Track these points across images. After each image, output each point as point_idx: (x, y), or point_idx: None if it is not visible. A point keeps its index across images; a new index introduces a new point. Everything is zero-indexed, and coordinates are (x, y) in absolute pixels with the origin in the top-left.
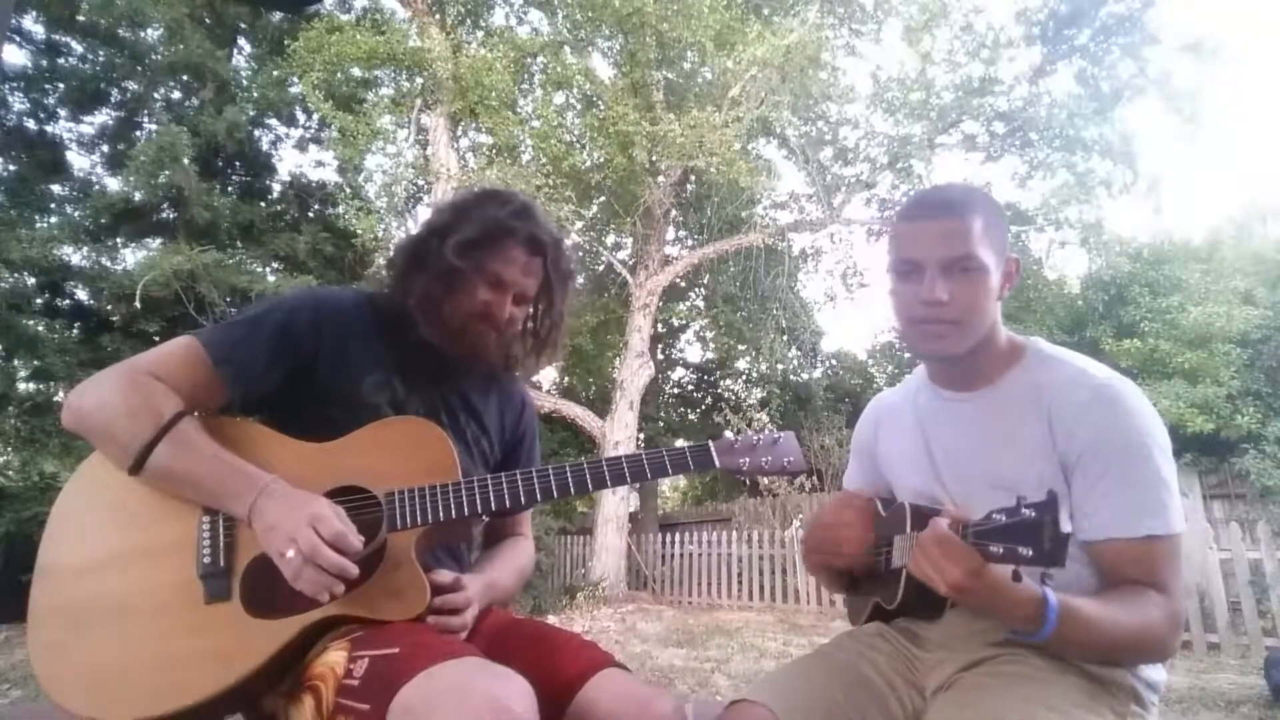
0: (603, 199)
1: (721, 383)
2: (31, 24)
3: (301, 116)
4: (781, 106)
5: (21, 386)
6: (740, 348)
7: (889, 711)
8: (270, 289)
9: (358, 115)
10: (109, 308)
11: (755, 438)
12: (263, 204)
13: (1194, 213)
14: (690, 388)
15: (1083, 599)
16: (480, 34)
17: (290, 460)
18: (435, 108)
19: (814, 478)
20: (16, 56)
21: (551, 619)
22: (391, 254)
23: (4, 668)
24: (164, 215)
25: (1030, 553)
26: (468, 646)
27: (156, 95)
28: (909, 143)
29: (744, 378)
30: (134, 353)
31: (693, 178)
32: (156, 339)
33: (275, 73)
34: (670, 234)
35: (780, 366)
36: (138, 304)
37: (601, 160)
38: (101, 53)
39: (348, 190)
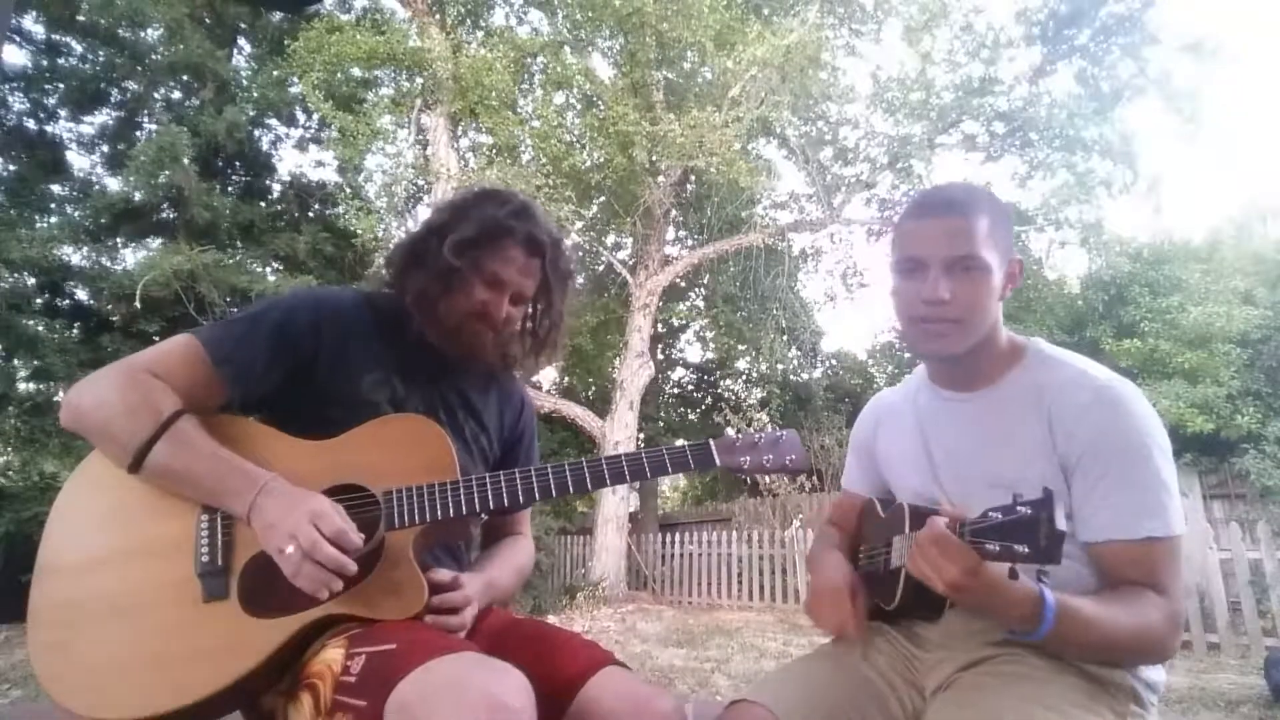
0: (603, 199)
1: (721, 383)
2: (31, 24)
3: (301, 116)
4: (781, 106)
5: (21, 386)
6: (740, 348)
7: (889, 711)
8: (270, 289)
9: (358, 115)
10: (109, 308)
11: (757, 436)
12: (263, 204)
13: (1194, 213)
14: (690, 388)
15: (1081, 599)
16: (480, 34)
17: (289, 458)
18: (435, 108)
19: (814, 478)
20: (16, 56)
21: (551, 619)
22: (390, 252)
23: (4, 668)
24: (164, 215)
25: (1026, 550)
26: (465, 642)
27: (156, 95)
28: (909, 143)
29: (744, 378)
30: (134, 353)
31: (693, 178)
32: (156, 339)
33: (275, 73)
34: (670, 234)
35: (780, 366)
36: (138, 304)
37: (601, 160)
38: (101, 53)
39: (348, 190)
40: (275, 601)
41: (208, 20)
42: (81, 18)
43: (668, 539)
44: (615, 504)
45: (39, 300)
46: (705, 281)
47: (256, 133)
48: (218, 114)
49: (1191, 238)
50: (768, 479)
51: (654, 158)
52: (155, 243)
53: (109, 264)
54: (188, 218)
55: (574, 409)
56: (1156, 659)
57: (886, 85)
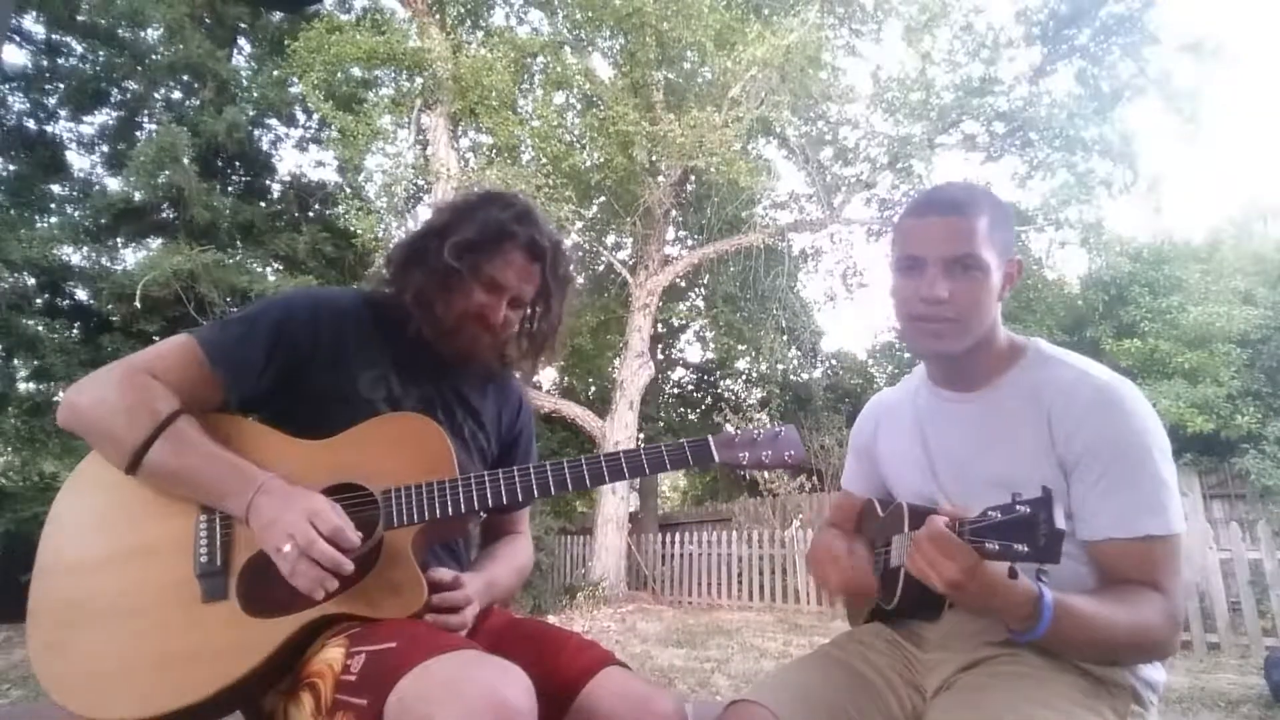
0: (603, 199)
1: (721, 383)
2: (31, 24)
3: (301, 116)
4: (781, 106)
5: (21, 386)
6: (740, 348)
7: (889, 711)
8: (270, 289)
9: (358, 115)
10: (109, 308)
11: (755, 431)
12: (263, 204)
13: (1194, 213)
14: (690, 388)
15: (1080, 597)
16: (480, 34)
17: (287, 458)
18: (435, 108)
19: (814, 478)
20: (16, 56)
21: (551, 619)
22: (390, 250)
23: (4, 668)
24: (164, 215)
25: (1026, 549)
26: (466, 641)
27: (156, 95)
28: (909, 143)
29: (744, 378)
30: (133, 353)
31: (693, 178)
32: (156, 339)
33: (275, 73)
34: (670, 234)
35: (780, 366)
36: (138, 304)
37: (601, 160)
38: (101, 53)
39: (348, 190)
40: (275, 601)
41: (208, 20)
42: (81, 18)
43: (668, 539)
44: (615, 504)
45: (39, 300)
46: (705, 281)
47: (256, 133)
48: (218, 114)
49: (1191, 238)
50: (766, 475)
51: (654, 158)
52: (155, 243)
53: (109, 264)
54: (188, 218)
55: (574, 409)
56: (1156, 657)
57: (886, 85)
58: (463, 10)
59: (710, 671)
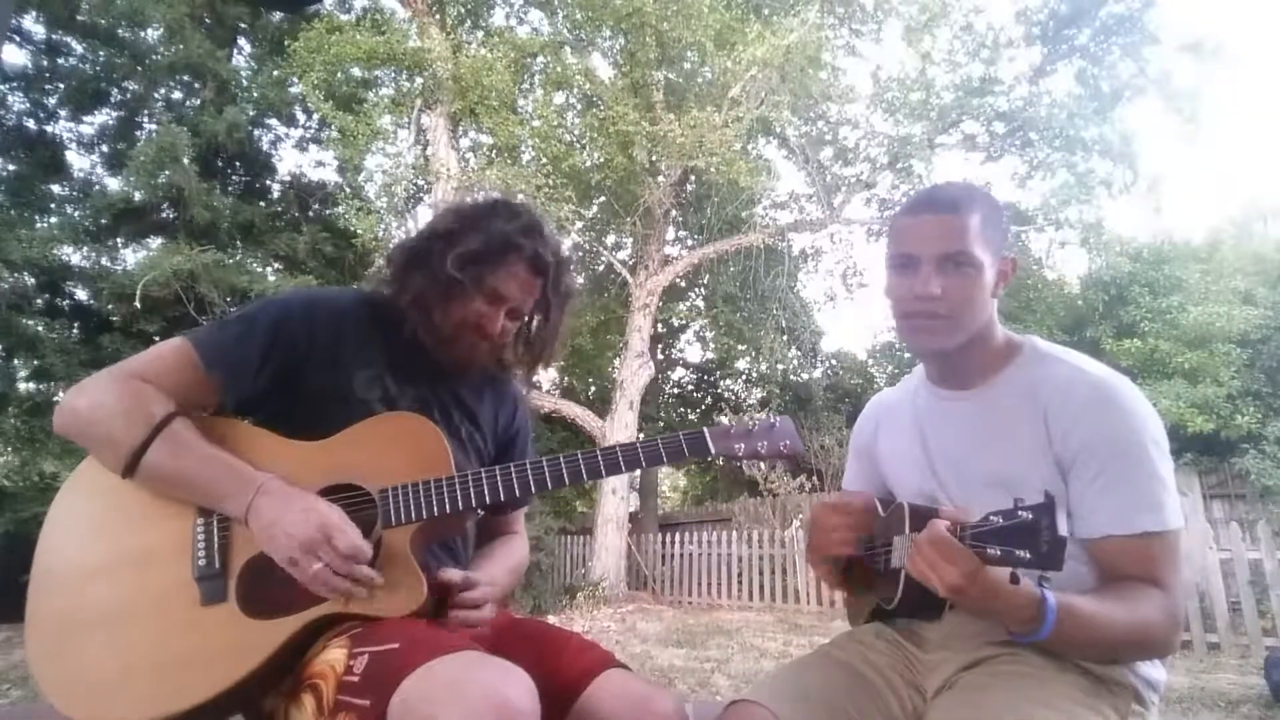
0: (603, 199)
1: (721, 383)
2: (31, 24)
3: (301, 116)
4: (781, 106)
5: (21, 386)
6: (740, 348)
7: (889, 711)
8: (270, 289)
9: (358, 115)
10: (109, 308)
11: (751, 423)
12: (263, 204)
13: (1194, 213)
14: (690, 388)
15: (1081, 597)
16: (480, 34)
17: (284, 459)
18: (435, 108)
19: (814, 478)
20: (16, 56)
21: (551, 619)
22: (392, 250)
23: (4, 668)
24: (164, 215)
25: (1027, 555)
26: (468, 641)
27: (156, 95)
28: (909, 143)
29: (744, 378)
30: (134, 353)
31: (693, 178)
32: (156, 339)
33: (275, 73)
34: (670, 234)
35: (780, 366)
36: (138, 304)
37: (601, 160)
38: (101, 53)
39: (348, 190)
40: (274, 602)
41: (208, 20)
42: (81, 18)
43: (668, 539)
44: (615, 504)
45: (39, 300)
46: (705, 281)
47: (256, 133)
48: (218, 114)
49: (1191, 238)
50: (766, 475)
51: (654, 158)
52: (155, 243)
53: (109, 264)
54: (188, 218)
55: (574, 409)
56: (1157, 655)
57: (886, 85)
58: (463, 10)
59: (710, 672)
